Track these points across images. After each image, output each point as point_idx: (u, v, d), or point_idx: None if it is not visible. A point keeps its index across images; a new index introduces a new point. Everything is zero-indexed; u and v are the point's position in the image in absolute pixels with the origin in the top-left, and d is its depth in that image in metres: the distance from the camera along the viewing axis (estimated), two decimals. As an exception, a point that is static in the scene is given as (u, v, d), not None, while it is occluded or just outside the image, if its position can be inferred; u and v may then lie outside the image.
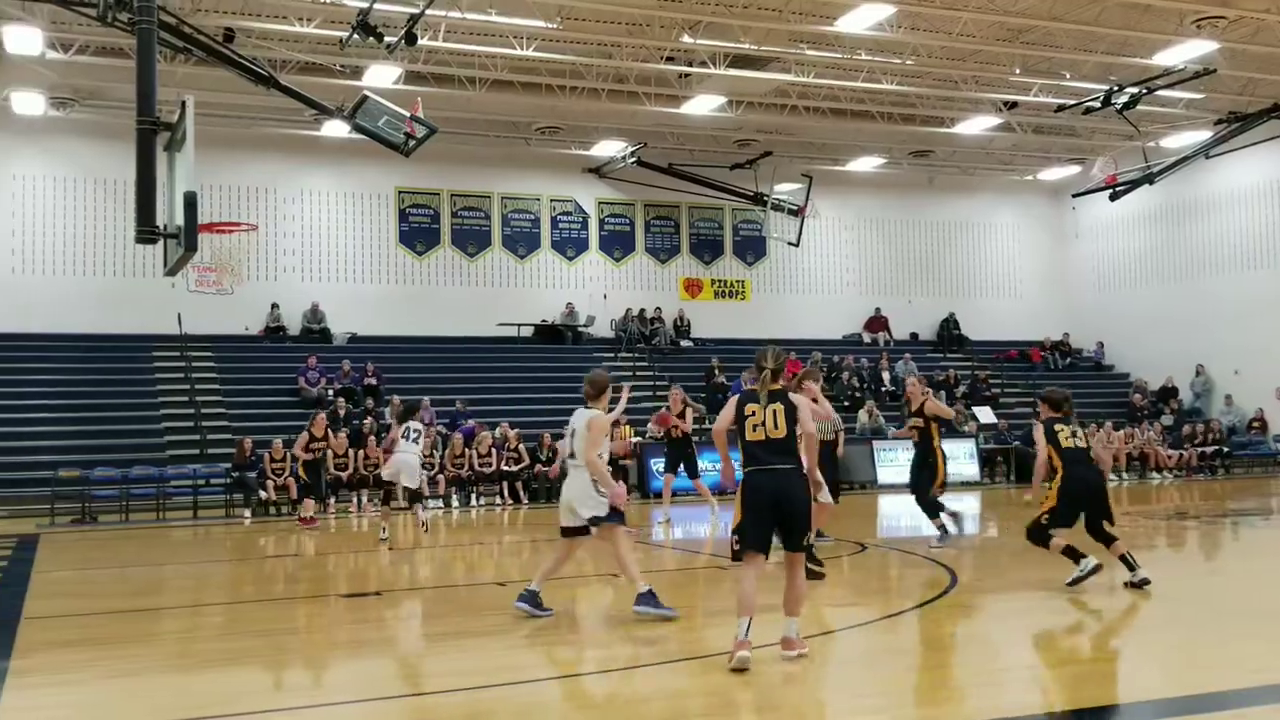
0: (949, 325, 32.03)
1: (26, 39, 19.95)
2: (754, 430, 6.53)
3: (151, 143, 10.61)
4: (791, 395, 6.74)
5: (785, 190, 28.43)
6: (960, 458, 24.08)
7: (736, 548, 6.53)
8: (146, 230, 10.46)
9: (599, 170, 29.32)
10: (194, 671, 6.68)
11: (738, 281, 31.02)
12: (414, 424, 14.13)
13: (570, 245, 29.65)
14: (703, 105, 24.78)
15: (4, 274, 24.27)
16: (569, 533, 8.13)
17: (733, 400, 6.83)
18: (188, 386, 23.41)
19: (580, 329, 28.75)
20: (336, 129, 24.17)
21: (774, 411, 6.52)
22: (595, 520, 7.89)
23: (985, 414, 26.71)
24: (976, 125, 27.20)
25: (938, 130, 27.57)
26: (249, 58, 17.63)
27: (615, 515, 7.91)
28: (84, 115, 24.10)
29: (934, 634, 7.68)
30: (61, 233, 25.00)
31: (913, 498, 12.71)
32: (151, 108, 10.61)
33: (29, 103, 23.38)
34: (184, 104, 10.18)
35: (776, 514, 6.44)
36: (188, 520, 18.78)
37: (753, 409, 6.57)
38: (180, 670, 6.74)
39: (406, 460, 13.66)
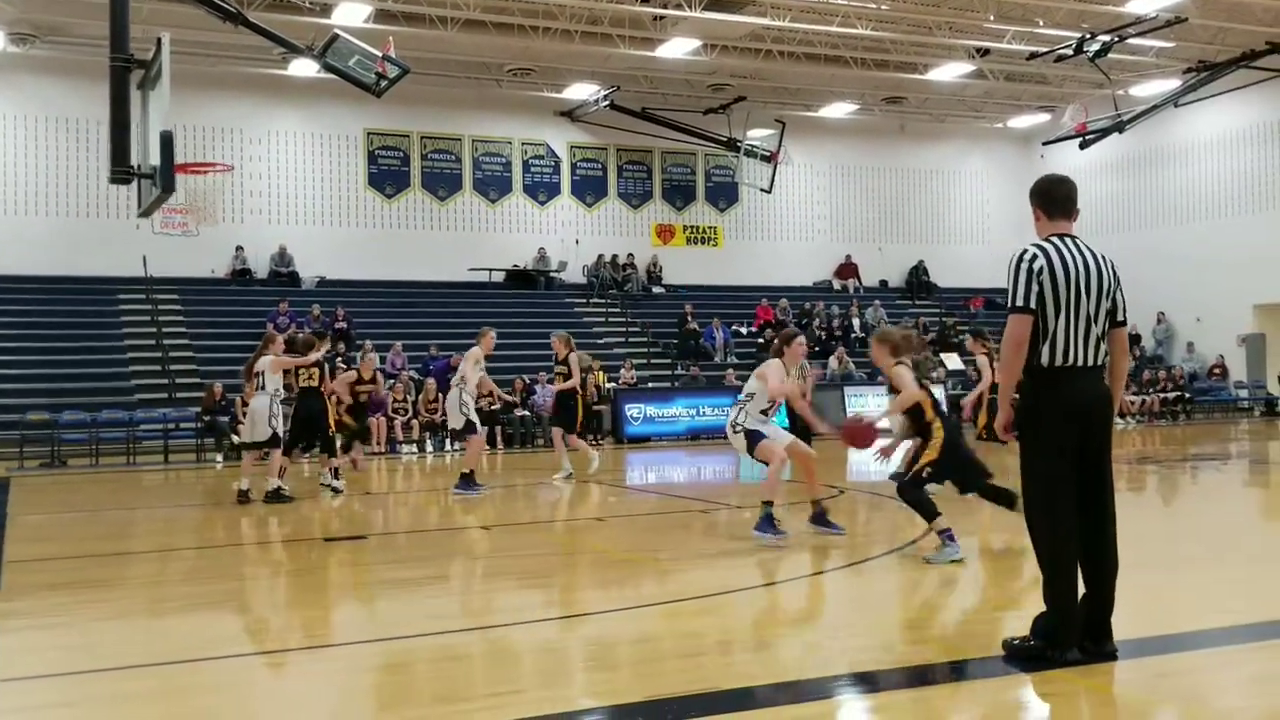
0: (918, 272, 32.21)
1: (-16, -28, 19.42)
2: None
3: (125, 81, 10.37)
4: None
5: (758, 136, 28.35)
6: (928, 404, 24.35)
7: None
8: (121, 170, 10.25)
9: (571, 114, 29.08)
10: (180, 614, 6.68)
11: (710, 228, 31.00)
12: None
13: (542, 190, 29.46)
14: (677, 48, 24.59)
15: (-36, 214, 23.83)
16: None
17: None
18: (154, 330, 23.17)
19: (552, 274, 28.67)
20: (305, 68, 23.80)
21: None
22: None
23: (953, 361, 26.92)
24: (949, 72, 27.19)
25: (911, 77, 27.55)
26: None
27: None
28: (44, 52, 23.59)
29: (910, 578, 7.80)
30: (23, 172, 24.55)
31: None
32: (125, 44, 10.36)
33: (-13, 38, 22.83)
34: (159, 41, 9.95)
35: None
36: (159, 464, 18.67)
37: None
38: (166, 613, 6.75)
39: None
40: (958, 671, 5.06)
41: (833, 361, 25.65)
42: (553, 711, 4.52)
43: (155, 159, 10.30)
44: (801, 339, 9.52)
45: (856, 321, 28.53)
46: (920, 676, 4.93)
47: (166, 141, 9.95)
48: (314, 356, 12.54)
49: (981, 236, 33.48)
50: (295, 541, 9.90)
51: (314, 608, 7.08)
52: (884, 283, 32.19)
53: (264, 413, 12.03)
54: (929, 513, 7.96)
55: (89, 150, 24.68)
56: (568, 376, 14.12)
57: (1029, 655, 5.01)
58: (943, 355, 27.21)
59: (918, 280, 32.14)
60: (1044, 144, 30.05)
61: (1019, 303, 5.05)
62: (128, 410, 19.84)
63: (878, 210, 32.56)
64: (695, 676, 4.97)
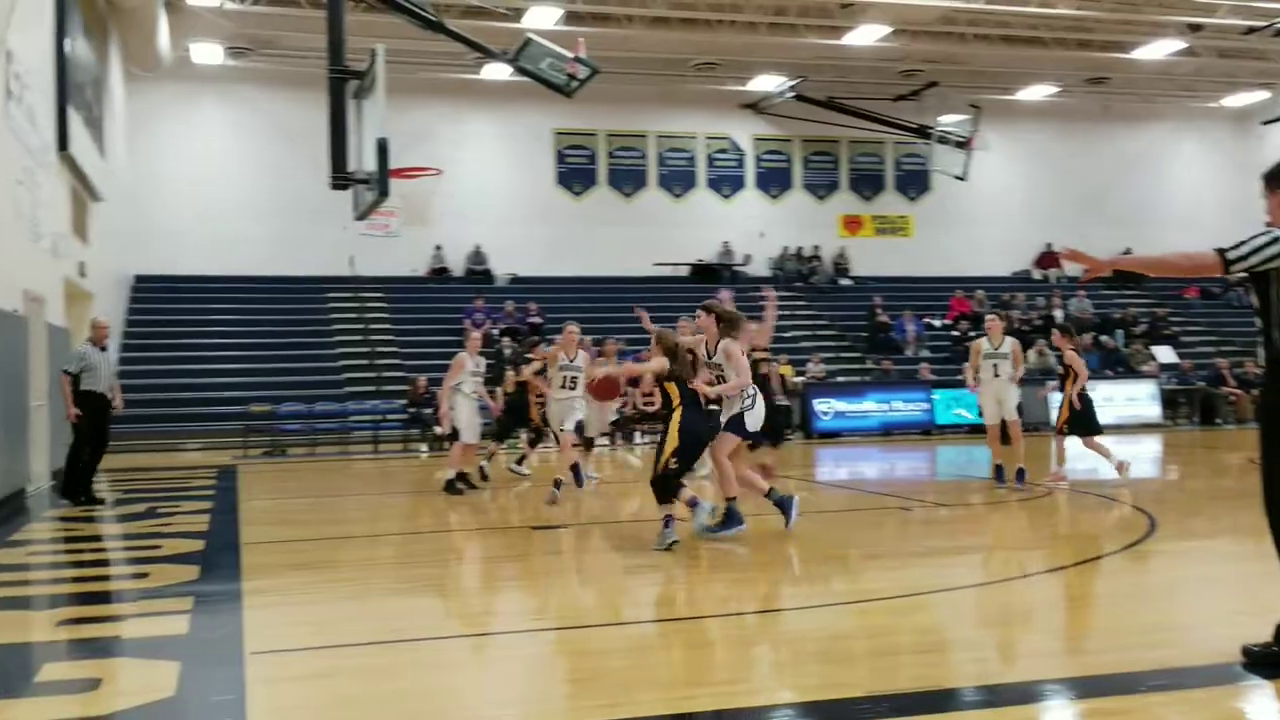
0: (1124, 260, 30.78)
1: (207, -10, 20.71)
2: None
3: (343, 91, 10.95)
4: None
5: (951, 122, 27.64)
6: (1141, 399, 23.38)
7: None
8: (340, 176, 10.82)
9: (756, 106, 29.00)
10: (411, 595, 7.03)
11: (900, 217, 30.41)
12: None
13: (726, 183, 29.50)
14: (866, 35, 24.20)
15: (190, 219, 25.48)
16: None
17: None
18: (362, 326, 24.29)
19: (737, 268, 28.67)
20: (496, 72, 24.53)
21: None
22: None
23: (1166, 353, 25.76)
24: (1157, 50, 25.88)
25: (1115, 56, 26.35)
26: (417, 2, 17.95)
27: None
28: (260, 64, 24.99)
29: (1137, 580, 7.52)
30: (243, 179, 26.08)
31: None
32: (342, 56, 10.94)
33: (208, 53, 24.34)
34: (375, 52, 10.46)
35: None
36: (369, 454, 19.59)
37: None
38: (397, 593, 7.10)
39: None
40: (1190, 678, 4.83)
41: (1032, 355, 24.74)
42: (782, 701, 4.56)
43: (371, 165, 10.83)
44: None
45: (1059, 313, 27.49)
46: (1146, 682, 4.75)
47: (382, 148, 10.45)
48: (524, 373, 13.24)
49: (1194, 222, 31.63)
50: (502, 529, 10.25)
51: (532, 593, 7.32)
52: (1088, 271, 30.88)
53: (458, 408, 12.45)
54: (665, 497, 8.24)
55: (300, 157, 26.01)
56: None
57: (1272, 662, 4.77)
58: (1154, 348, 26.06)
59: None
60: (1263, 123, 28.33)
61: (1232, 255, 4.76)
62: (339, 402, 20.91)
63: (1080, 196, 31.25)
64: (904, 675, 4.93)
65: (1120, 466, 12.48)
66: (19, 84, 12.94)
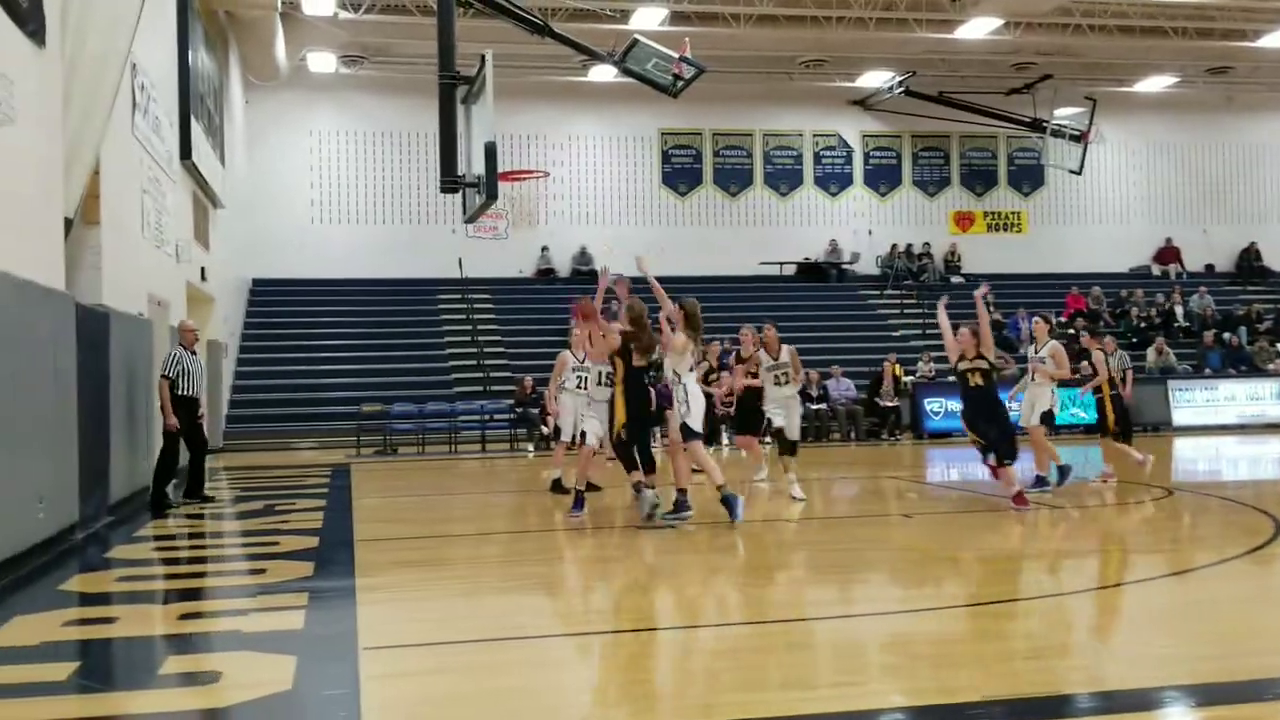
0: (1250, 255, 29.65)
1: (321, 1, 21.23)
2: None
3: (453, 96, 11.12)
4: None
5: (1066, 115, 26.99)
6: (1266, 398, 22.52)
7: None
8: (450, 180, 10.99)
9: (864, 102, 28.66)
10: (521, 593, 7.09)
11: (1013, 213, 29.75)
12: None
13: (833, 181, 29.20)
14: (978, 29, 23.73)
15: (305, 224, 26.20)
16: None
17: None
18: (469, 327, 24.65)
19: (845, 266, 28.35)
20: (602, 74, 24.66)
21: None
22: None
23: (1297, 351, 24.74)
24: (1284, 36, 24.85)
25: (1239, 44, 25.37)
26: (524, 7, 18.15)
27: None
28: (372, 72, 25.56)
29: (1263, 583, 7.21)
30: (353, 184, 26.70)
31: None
32: (452, 62, 11.11)
33: (323, 61, 25.00)
34: (483, 58, 10.62)
35: None
36: (477, 453, 19.86)
37: None
38: (507, 591, 7.17)
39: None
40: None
41: (1151, 353, 24.01)
42: (893, 705, 4.49)
43: (479, 168, 10.98)
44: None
45: (1179, 310, 26.59)
46: (1274, 690, 4.54)
47: (490, 152, 10.59)
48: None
49: (1322, 216, 30.46)
50: (608, 528, 10.28)
51: (637, 592, 7.32)
52: (1210, 267, 29.84)
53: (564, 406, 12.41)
54: (629, 466, 9.22)
55: (409, 162, 26.57)
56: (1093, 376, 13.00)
57: None
58: (1279, 345, 25.05)
59: (1250, 264, 29.60)
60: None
61: None
62: (448, 402, 21.24)
63: (1202, 189, 30.19)
64: (1020, 680, 4.80)
65: (1106, 477, 12.29)
66: (144, 96, 13.43)
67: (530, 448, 19.89)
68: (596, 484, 12.65)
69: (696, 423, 9.43)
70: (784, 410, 11.41)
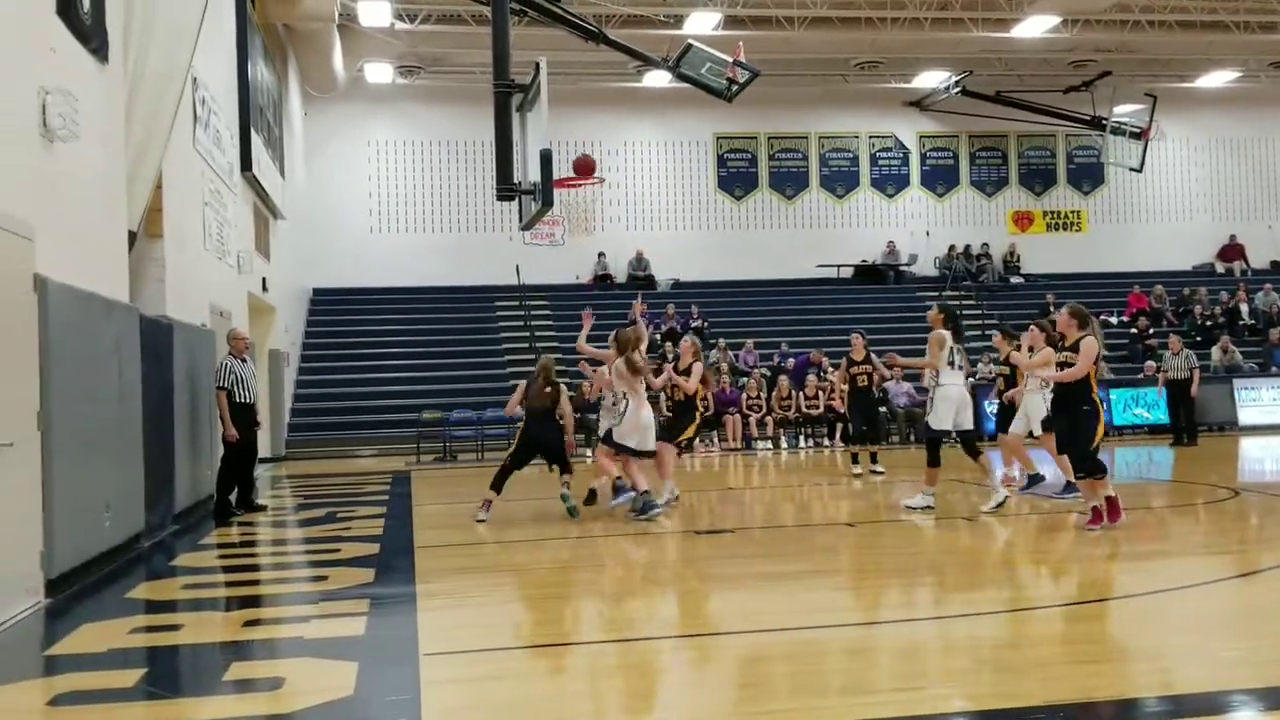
0: (1316, 251, 28.99)
1: (378, 12, 21.50)
2: None
3: (508, 104, 11.20)
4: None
5: (1126, 112, 26.54)
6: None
7: None
8: (506, 188, 11.06)
9: (920, 103, 28.42)
10: (578, 599, 7.11)
11: (1073, 212, 29.32)
12: None
13: (890, 182, 28.97)
14: (1035, 27, 23.43)
15: (363, 233, 26.52)
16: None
17: None
18: (527, 334, 24.77)
19: (902, 268, 28.11)
20: (657, 79, 24.69)
21: None
22: None
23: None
24: (1352, 27, 24.25)
25: (1305, 36, 24.81)
26: (578, 15, 18.24)
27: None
28: (427, 82, 25.81)
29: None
30: (411, 193, 26.97)
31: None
32: (506, 71, 11.19)
33: (379, 72, 25.28)
34: (538, 65, 10.67)
35: None
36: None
37: None
38: (565, 598, 7.20)
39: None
40: None
41: (1216, 352, 23.51)
42: (955, 710, 4.44)
43: (535, 176, 11.04)
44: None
45: (1244, 307, 26.04)
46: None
47: (546, 159, 10.64)
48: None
49: (1393, 210, 29.69)
50: (666, 533, 10.28)
51: (694, 597, 7.31)
52: (1276, 264, 29.20)
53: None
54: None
55: (466, 170, 26.79)
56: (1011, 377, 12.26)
57: None
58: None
59: (1316, 260, 28.94)
60: None
61: None
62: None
63: (1266, 185, 29.56)
64: (1079, 685, 4.72)
65: (1008, 481, 11.69)
66: (205, 109, 13.68)
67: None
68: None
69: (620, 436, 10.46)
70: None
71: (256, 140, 17.14)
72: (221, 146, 14.86)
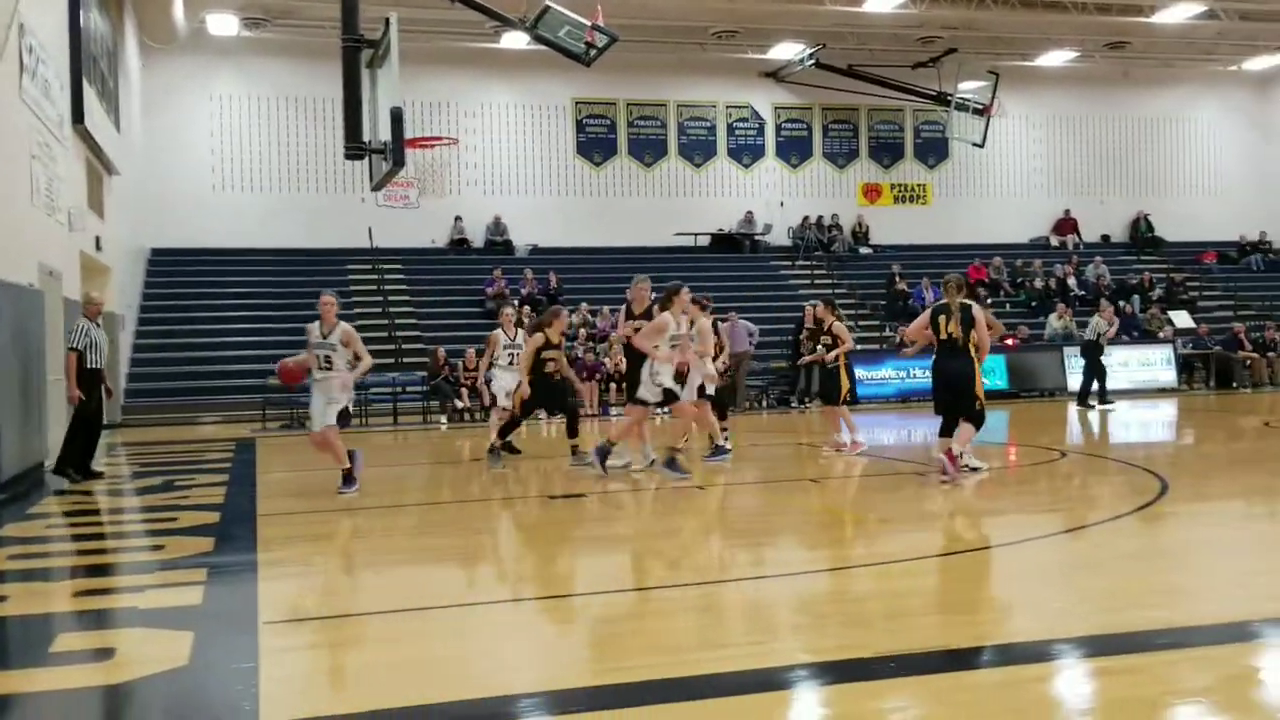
0: (1142, 226, 30.55)
1: (222, -39, 20.62)
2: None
3: (357, 60, 10.89)
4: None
5: (970, 89, 27.43)
6: (1157, 364, 23.28)
7: None
8: (355, 146, 10.78)
9: (776, 74, 28.79)
10: (420, 565, 7.04)
11: (919, 185, 30.21)
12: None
13: (746, 152, 29.32)
14: (885, 2, 23.95)
15: (205, 191, 25.56)
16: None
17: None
18: (381, 298, 24.30)
19: (757, 237, 28.54)
20: (515, 41, 24.38)
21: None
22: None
23: (1182, 318, 25.62)
24: (1178, 14, 25.51)
25: (1135, 20, 26.00)
26: (432, -29, 17.85)
27: None
28: (275, 35, 24.93)
29: (1148, 541, 7.47)
30: (257, 151, 26.08)
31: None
32: (355, 25, 10.87)
33: (223, 24, 24.30)
34: (388, 20, 10.40)
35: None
36: (388, 425, 19.64)
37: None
38: (413, 564, 7.12)
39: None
40: (1201, 636, 4.80)
41: (1053, 320, 24.60)
42: (799, 662, 4.55)
43: (386, 135, 10.79)
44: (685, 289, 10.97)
45: (1073, 280, 27.30)
46: (1157, 640, 4.71)
47: (397, 118, 10.40)
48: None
49: (1213, 187, 31.45)
50: (521, 499, 10.26)
51: (546, 560, 7.32)
52: (1106, 238, 30.69)
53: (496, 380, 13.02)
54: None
55: (316, 128, 26.02)
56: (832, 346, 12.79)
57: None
58: (1170, 313, 25.89)
59: (1142, 234, 30.49)
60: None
61: None
62: (358, 375, 20.88)
63: (1099, 162, 31.00)
64: (917, 636, 4.91)
65: (855, 445, 12.34)
66: (33, 58, 12.94)
67: (444, 420, 19.73)
68: (516, 448, 12.87)
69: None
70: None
71: (89, 92, 16.31)
72: (51, 97, 14.10)
